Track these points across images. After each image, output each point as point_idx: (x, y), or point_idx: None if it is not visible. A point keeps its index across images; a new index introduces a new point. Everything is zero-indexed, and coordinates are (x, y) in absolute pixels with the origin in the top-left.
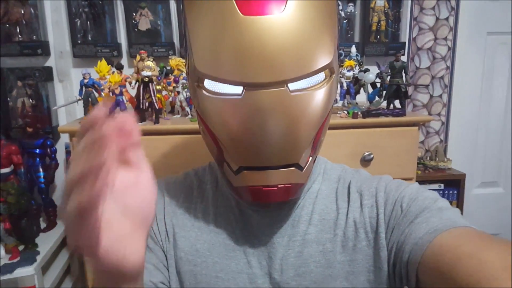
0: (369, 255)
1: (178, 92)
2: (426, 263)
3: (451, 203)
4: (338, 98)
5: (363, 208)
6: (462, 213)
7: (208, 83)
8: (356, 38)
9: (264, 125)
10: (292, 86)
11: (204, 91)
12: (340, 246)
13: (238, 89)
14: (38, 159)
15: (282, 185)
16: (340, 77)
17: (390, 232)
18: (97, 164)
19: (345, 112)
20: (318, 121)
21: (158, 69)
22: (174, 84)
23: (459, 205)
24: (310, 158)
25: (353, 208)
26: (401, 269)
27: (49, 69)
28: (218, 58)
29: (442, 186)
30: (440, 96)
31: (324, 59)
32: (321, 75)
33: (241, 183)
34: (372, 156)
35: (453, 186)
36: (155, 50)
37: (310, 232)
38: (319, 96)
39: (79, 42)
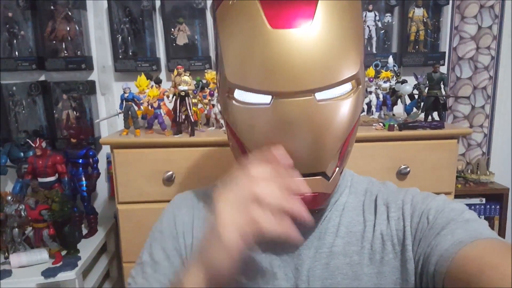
0: (396, 267)
1: (213, 105)
2: (451, 275)
3: (493, 218)
4: (374, 109)
5: (389, 221)
6: (505, 229)
7: (238, 94)
8: (394, 49)
9: (291, 133)
10: (318, 95)
11: (234, 101)
12: (367, 258)
13: (267, 99)
14: (81, 168)
15: (309, 194)
16: (376, 88)
17: (416, 244)
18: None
19: (381, 124)
20: (344, 131)
21: (194, 82)
22: (209, 97)
23: (502, 220)
24: (337, 168)
25: (380, 220)
26: (428, 281)
27: (92, 82)
28: (247, 69)
29: (484, 200)
30: (483, 107)
31: (350, 70)
32: (348, 86)
33: None
34: (408, 169)
35: (495, 201)
36: (192, 64)
37: (337, 244)
38: (345, 106)
39: (120, 57)
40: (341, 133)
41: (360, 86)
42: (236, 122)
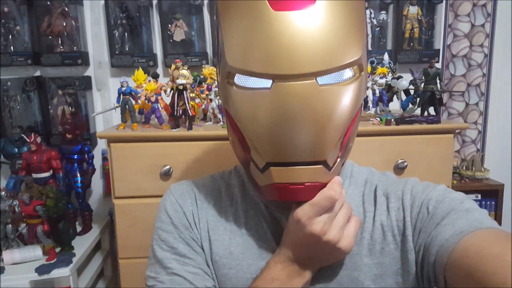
0: (397, 258)
1: (211, 100)
2: (452, 265)
3: (489, 214)
4: (371, 105)
5: (389, 211)
6: (500, 224)
7: (238, 79)
8: (389, 46)
9: (291, 118)
10: (320, 80)
11: (234, 87)
12: (367, 249)
13: (268, 83)
14: (76, 164)
15: (309, 183)
16: (372, 84)
17: (417, 234)
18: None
19: (378, 119)
20: (346, 118)
21: (192, 77)
22: (207, 92)
23: (498, 216)
24: (339, 159)
25: (379, 211)
26: (429, 271)
27: (88, 78)
28: (248, 52)
29: (479, 196)
30: (477, 104)
31: (352, 54)
32: (350, 72)
33: (267, 181)
34: (406, 164)
35: (491, 197)
36: (189, 60)
37: None
38: (348, 92)
39: (116, 52)
40: (342, 120)
41: (363, 73)
42: (236, 109)
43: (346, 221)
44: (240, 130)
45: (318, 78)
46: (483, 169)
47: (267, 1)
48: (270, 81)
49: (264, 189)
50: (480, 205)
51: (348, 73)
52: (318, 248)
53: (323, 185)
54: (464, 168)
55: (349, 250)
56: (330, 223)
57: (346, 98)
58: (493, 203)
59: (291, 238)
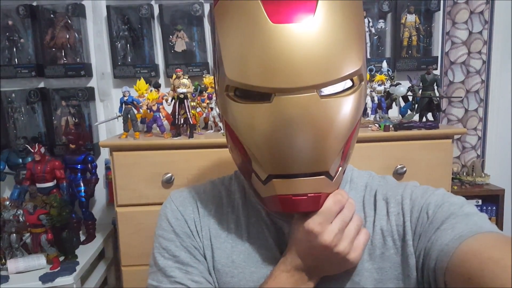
0: (398, 262)
1: (212, 108)
2: (452, 269)
3: (490, 219)
4: (370, 112)
5: (389, 216)
6: (501, 229)
7: (238, 91)
8: (387, 54)
9: (293, 131)
10: (321, 92)
11: (233, 100)
12: (367, 254)
13: (268, 96)
14: (79, 174)
15: (312, 194)
16: (371, 91)
17: (417, 239)
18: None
19: (377, 125)
20: (348, 128)
21: (193, 86)
22: (207, 101)
23: (499, 221)
24: (340, 168)
25: (379, 216)
26: (429, 275)
27: (91, 89)
28: (247, 66)
29: (480, 202)
30: (476, 110)
31: (353, 65)
32: (350, 82)
33: (270, 192)
34: (405, 169)
35: (491, 202)
36: (190, 70)
37: None
38: (349, 102)
39: (119, 63)
40: (344, 131)
41: (363, 83)
42: (236, 121)
43: (357, 233)
44: (241, 142)
45: (318, 90)
46: (483, 175)
47: (265, 13)
48: (271, 94)
49: (267, 200)
50: (481, 211)
51: (348, 83)
52: (327, 259)
53: (326, 195)
54: (464, 174)
55: (357, 262)
56: (342, 233)
57: (348, 109)
58: (494, 208)
59: (299, 247)
